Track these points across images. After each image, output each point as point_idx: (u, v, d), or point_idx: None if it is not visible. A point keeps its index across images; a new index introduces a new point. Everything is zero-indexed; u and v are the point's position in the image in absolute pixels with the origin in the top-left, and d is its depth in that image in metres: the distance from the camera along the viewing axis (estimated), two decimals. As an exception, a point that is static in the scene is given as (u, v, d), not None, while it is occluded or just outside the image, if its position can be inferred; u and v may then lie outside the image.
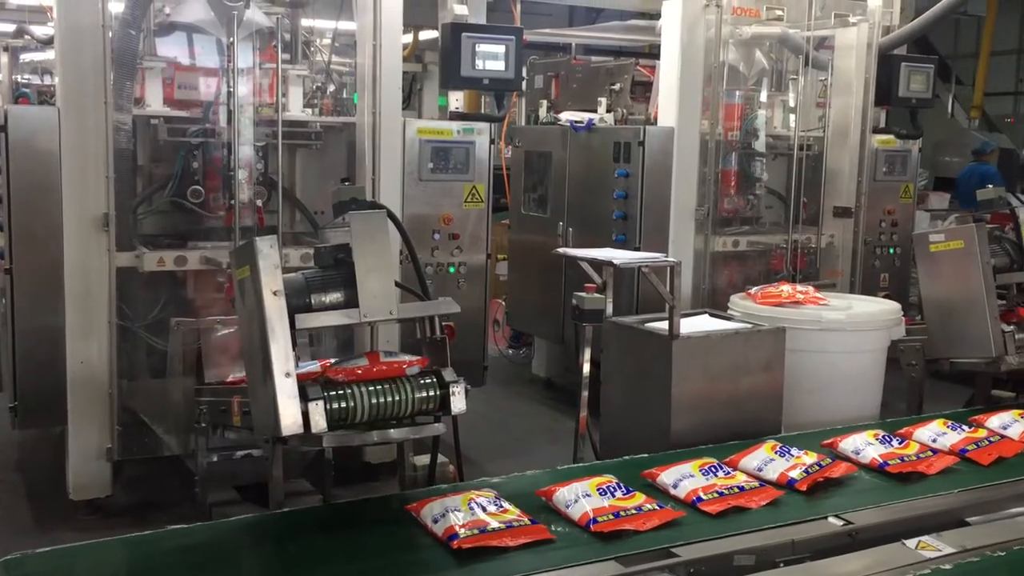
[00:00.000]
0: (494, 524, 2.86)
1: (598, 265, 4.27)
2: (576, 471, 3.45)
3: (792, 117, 6.32)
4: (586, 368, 4.16)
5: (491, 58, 5.17)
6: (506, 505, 3.00)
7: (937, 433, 3.78)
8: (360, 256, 3.08)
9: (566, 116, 6.47)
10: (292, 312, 2.94)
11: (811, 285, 5.22)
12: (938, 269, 4.47)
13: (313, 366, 3.21)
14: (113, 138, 4.23)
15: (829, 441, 3.76)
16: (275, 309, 2.87)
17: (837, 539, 3.06)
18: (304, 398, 2.86)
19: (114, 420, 4.33)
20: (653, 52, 7.13)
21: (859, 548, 3.02)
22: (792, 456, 3.47)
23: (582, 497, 3.06)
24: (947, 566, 2.81)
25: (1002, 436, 3.80)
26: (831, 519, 3.13)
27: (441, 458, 3.59)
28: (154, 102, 4.53)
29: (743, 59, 6.13)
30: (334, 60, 5.27)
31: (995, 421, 3.93)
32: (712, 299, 5.75)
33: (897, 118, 6.89)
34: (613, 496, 3.08)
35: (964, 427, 3.86)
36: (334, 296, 3.11)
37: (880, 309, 4.93)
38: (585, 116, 6.31)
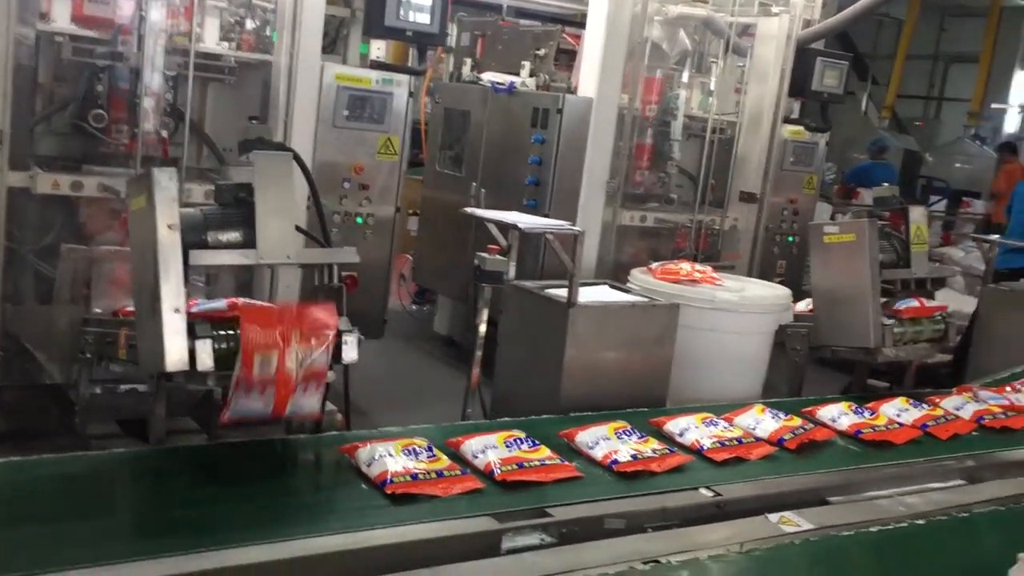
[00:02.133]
0: (532, 460, 3.07)
1: (504, 228, 4.30)
2: (592, 418, 3.65)
3: (710, 100, 6.44)
4: (482, 328, 4.21)
5: (417, 10, 5.13)
6: (539, 444, 3.18)
7: (901, 409, 4.10)
8: (262, 197, 3.04)
9: (488, 77, 6.46)
10: (187, 248, 2.89)
11: (710, 265, 5.36)
12: (830, 260, 4.62)
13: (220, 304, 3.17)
14: (13, 52, 4.05)
15: (809, 409, 4.04)
16: (168, 243, 2.82)
17: (705, 509, 3.17)
18: (192, 335, 2.83)
19: (-5, 344, 4.21)
20: (582, 21, 7.15)
21: (726, 519, 3.14)
22: (781, 418, 3.75)
23: (602, 440, 3.30)
24: (803, 540, 2.95)
25: (956, 416, 4.14)
26: (702, 490, 3.25)
27: (330, 406, 3.59)
28: (60, 18, 4.35)
29: (667, 38, 6.21)
30: (256, -5, 5.15)
31: (949, 403, 4.27)
32: (616, 272, 5.86)
33: (812, 110, 7.08)
34: (630, 439, 3.35)
35: (924, 405, 4.18)
36: (232, 235, 3.06)
37: (771, 294, 5.11)
38: (507, 78, 6.31)
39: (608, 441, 3.32)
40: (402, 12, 5.06)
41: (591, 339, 4.11)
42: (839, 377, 5.47)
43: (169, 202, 2.85)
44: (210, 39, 4.71)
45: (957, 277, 7.96)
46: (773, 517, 3.09)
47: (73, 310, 3.95)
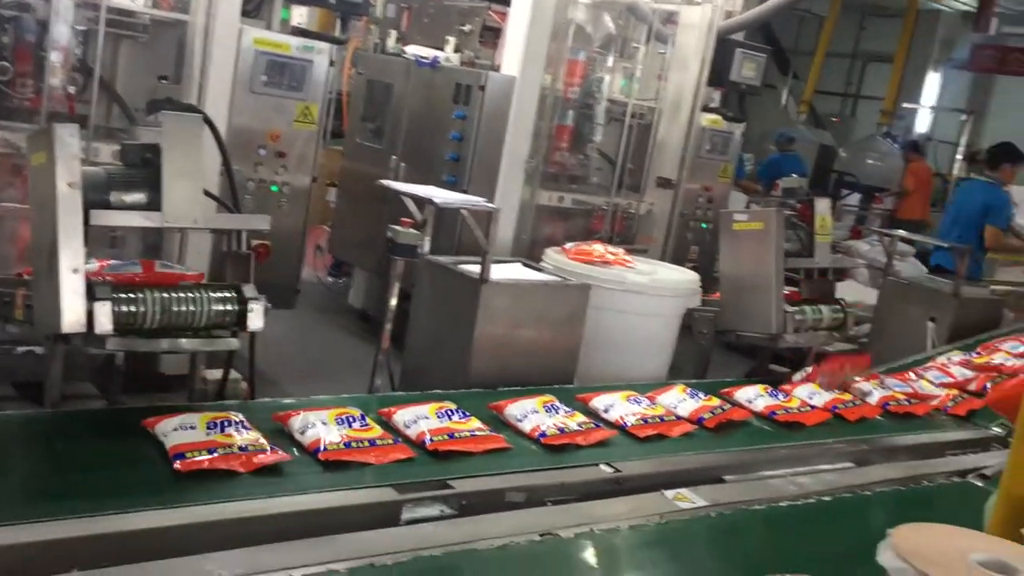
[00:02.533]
0: (462, 431, 3.11)
1: (421, 202, 4.29)
2: (521, 391, 3.70)
3: (631, 84, 6.51)
4: (392, 301, 4.21)
5: (341, -23, 5.06)
6: (469, 416, 3.21)
7: (813, 392, 4.22)
8: (169, 158, 2.98)
9: (412, 50, 6.41)
10: (88, 207, 2.83)
11: (624, 248, 5.44)
12: (738, 246, 4.74)
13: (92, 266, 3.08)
14: (-89, -4, 3.90)
15: (727, 390, 4.12)
16: (68, 201, 2.75)
17: (604, 485, 3.23)
18: (91, 297, 2.77)
19: None
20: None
21: (624, 494, 3.21)
22: (700, 398, 3.84)
23: (531, 413, 3.36)
24: (698, 516, 3.04)
25: (863, 401, 4.27)
26: (602, 466, 3.31)
27: (235, 374, 3.55)
28: (-37, -36, 4.20)
29: (591, 21, 6.25)
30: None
31: (857, 389, 4.40)
32: (532, 251, 5.90)
33: (732, 101, 7.22)
34: (557, 413, 3.41)
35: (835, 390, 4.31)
36: (136, 196, 3.00)
37: (681, 278, 5.22)
38: (431, 53, 6.27)
39: (536, 414, 3.39)
40: (326, -21, 4.99)
41: (502, 316, 4.14)
42: (743, 361, 5.62)
43: (70, 159, 2.77)
44: (124, -6, 4.57)
45: (862, 270, 8.22)
46: (669, 493, 3.17)
47: (-31, 268, 3.82)
